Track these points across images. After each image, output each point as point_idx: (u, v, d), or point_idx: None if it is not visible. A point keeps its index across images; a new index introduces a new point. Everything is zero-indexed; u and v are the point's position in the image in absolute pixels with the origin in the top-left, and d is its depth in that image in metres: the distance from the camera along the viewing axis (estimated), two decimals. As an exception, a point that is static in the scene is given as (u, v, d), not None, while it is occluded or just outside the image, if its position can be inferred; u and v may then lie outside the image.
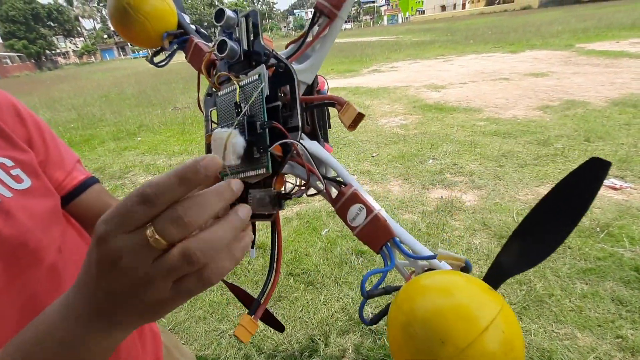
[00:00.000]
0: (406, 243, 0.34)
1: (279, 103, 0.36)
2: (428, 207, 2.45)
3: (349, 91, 6.43)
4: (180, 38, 0.49)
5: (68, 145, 0.57)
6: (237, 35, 0.37)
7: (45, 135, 0.51)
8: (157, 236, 0.23)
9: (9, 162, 0.44)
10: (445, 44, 11.96)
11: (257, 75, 0.35)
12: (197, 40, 0.48)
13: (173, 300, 0.25)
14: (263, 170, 0.34)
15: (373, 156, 3.43)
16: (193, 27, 0.51)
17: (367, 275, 0.34)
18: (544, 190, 2.50)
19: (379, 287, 0.35)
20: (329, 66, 9.66)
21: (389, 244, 0.34)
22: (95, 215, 0.55)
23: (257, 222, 0.45)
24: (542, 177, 2.66)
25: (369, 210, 0.35)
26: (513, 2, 44.68)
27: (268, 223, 0.42)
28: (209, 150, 0.42)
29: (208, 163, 0.24)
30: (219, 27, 0.39)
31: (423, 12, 68.72)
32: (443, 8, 62.41)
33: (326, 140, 0.45)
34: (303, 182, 0.38)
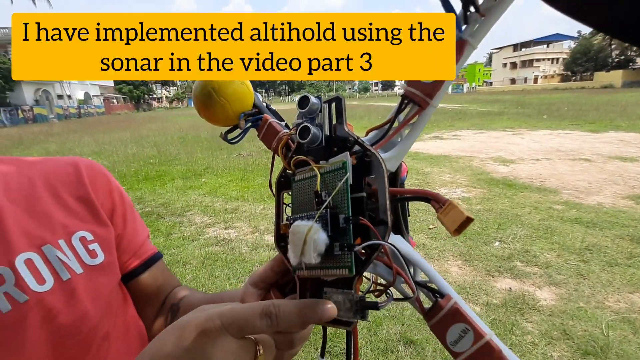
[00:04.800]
0: None
1: (364, 194, 0.33)
2: (493, 299, 2.14)
3: (407, 155, 6.35)
4: (255, 117, 0.50)
5: (141, 218, 0.59)
6: (320, 120, 0.37)
7: (127, 209, 0.54)
8: (261, 353, 0.28)
9: (89, 236, 0.46)
10: (515, 117, 11.58)
11: (341, 163, 0.33)
12: (272, 119, 0.49)
13: None
14: (345, 272, 0.31)
15: (430, 228, 3.20)
16: (264, 104, 0.53)
17: None
18: (644, 300, 2.06)
19: None
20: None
21: None
22: (155, 291, 0.56)
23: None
24: (636, 282, 2.21)
25: (478, 334, 0.28)
26: (592, 79, 42.76)
27: None
28: (281, 241, 0.40)
29: (326, 312, 0.29)
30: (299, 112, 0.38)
31: (491, 83, 68.76)
32: (513, 81, 61.90)
33: (407, 230, 0.40)
34: (384, 283, 0.34)
